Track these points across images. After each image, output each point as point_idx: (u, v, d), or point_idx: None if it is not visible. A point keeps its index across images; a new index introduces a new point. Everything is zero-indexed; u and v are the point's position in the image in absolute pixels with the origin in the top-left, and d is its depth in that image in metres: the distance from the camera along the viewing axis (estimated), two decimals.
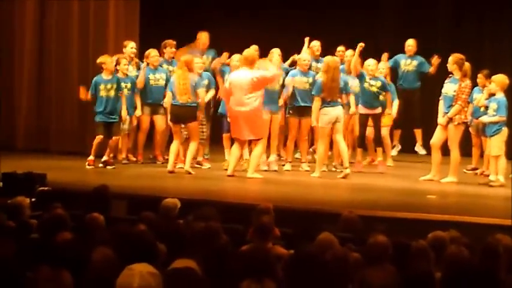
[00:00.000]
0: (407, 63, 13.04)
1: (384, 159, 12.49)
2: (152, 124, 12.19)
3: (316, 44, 12.53)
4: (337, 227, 6.56)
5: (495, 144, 10.76)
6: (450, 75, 10.91)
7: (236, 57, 11.57)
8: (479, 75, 11.86)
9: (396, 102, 12.37)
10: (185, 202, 7.23)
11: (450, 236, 5.86)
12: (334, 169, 11.71)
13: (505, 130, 10.77)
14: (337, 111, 11.03)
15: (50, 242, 5.05)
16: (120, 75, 11.72)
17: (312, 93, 11.24)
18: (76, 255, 4.39)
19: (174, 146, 11.18)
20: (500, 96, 10.81)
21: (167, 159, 11.52)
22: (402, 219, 7.97)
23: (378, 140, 12.26)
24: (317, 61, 12.29)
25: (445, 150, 10.97)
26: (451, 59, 10.86)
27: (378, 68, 12.12)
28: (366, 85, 11.96)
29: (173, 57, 12.20)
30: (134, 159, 12.20)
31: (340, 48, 12.77)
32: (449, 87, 10.84)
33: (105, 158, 11.54)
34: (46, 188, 8.74)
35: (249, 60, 10.84)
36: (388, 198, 9.71)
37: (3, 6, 13.62)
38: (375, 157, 12.45)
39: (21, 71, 13.61)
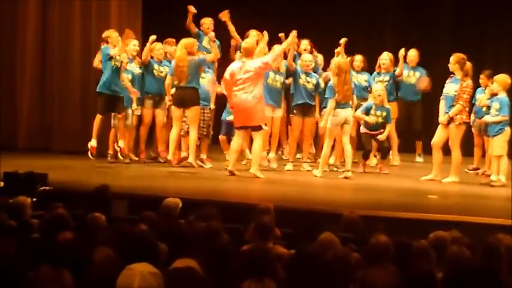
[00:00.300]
0: (409, 75, 13.02)
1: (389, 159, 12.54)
2: (153, 119, 12.19)
3: (305, 43, 12.34)
4: (338, 227, 6.55)
5: (497, 144, 10.76)
6: (451, 75, 10.91)
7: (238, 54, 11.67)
8: (481, 76, 11.86)
9: (388, 128, 12.15)
10: (186, 202, 7.23)
11: (451, 236, 5.86)
12: (335, 169, 11.70)
13: (507, 130, 10.76)
14: (347, 112, 11.02)
15: (51, 241, 5.05)
16: (128, 55, 11.80)
17: (326, 96, 11.20)
18: (77, 255, 4.40)
19: (174, 133, 11.24)
20: (503, 96, 10.81)
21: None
22: (403, 219, 7.97)
23: (383, 153, 12.18)
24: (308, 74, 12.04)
25: (446, 150, 10.97)
26: (452, 58, 10.85)
27: (384, 95, 12.00)
28: (372, 117, 11.85)
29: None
30: (136, 158, 12.17)
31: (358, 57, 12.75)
32: (450, 87, 10.83)
33: (121, 143, 11.54)
34: (47, 188, 8.74)
35: (249, 51, 10.87)
36: (390, 198, 9.71)
37: (6, 5, 13.62)
38: (382, 164, 12.34)
39: (23, 70, 13.61)
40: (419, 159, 13.28)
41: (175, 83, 11.25)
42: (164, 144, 12.12)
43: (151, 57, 12.06)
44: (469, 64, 10.89)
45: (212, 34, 12.19)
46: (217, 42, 12.35)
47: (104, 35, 11.57)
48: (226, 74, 10.93)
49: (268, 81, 11.42)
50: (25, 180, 8.74)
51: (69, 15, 13.42)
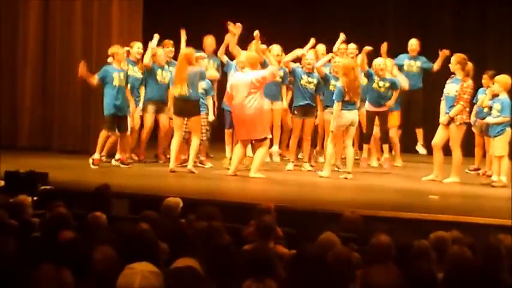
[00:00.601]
0: (410, 65, 13.01)
1: (392, 159, 12.54)
2: (156, 123, 12.17)
3: (322, 48, 12.44)
4: (339, 227, 6.55)
5: (499, 145, 10.76)
6: (452, 76, 10.90)
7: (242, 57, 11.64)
8: (484, 76, 11.85)
9: (395, 95, 12.20)
10: (187, 201, 7.23)
11: (452, 236, 5.86)
12: (336, 169, 11.69)
13: (508, 131, 10.75)
14: (353, 115, 11.01)
15: (52, 240, 5.06)
16: (131, 57, 11.83)
17: (333, 98, 11.19)
18: (78, 254, 4.39)
19: (175, 143, 11.17)
20: (504, 96, 10.81)
21: (169, 158, 11.52)
22: (404, 219, 7.97)
23: (384, 137, 12.26)
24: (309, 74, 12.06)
25: (447, 150, 10.97)
26: (453, 59, 10.85)
27: (386, 67, 12.08)
28: (374, 85, 11.93)
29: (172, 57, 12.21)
30: (136, 158, 12.18)
31: (342, 46, 12.75)
32: (451, 88, 10.83)
33: (118, 156, 11.52)
34: (48, 187, 8.74)
35: (252, 63, 10.88)
36: (390, 198, 9.71)
37: (7, 5, 13.63)
38: (380, 156, 12.45)
39: (24, 69, 13.62)
40: (422, 150, 12.94)
41: (176, 94, 11.12)
42: (165, 147, 12.14)
43: (154, 62, 12.02)
44: (470, 64, 10.88)
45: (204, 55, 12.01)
46: (217, 62, 12.33)
47: (110, 51, 11.53)
48: (228, 88, 10.96)
49: None
50: (26, 180, 8.74)
51: (70, 15, 13.42)
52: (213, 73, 12.08)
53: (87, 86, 12.69)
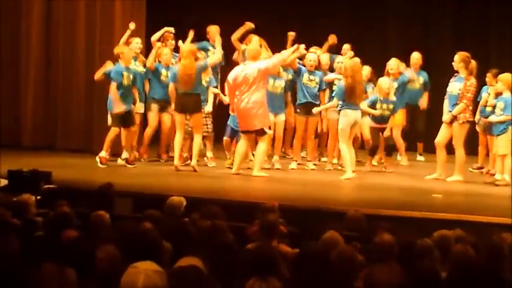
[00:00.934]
0: (413, 80, 13.02)
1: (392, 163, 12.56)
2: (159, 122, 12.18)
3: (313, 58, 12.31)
4: (342, 225, 6.55)
5: (502, 144, 10.75)
6: (456, 74, 10.89)
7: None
8: (488, 74, 11.86)
9: (391, 122, 12.14)
10: (191, 200, 7.23)
11: (455, 235, 5.86)
12: (339, 167, 11.68)
13: (511, 129, 10.75)
14: (357, 114, 11.01)
15: (55, 239, 5.06)
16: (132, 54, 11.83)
17: (333, 95, 11.17)
18: (81, 253, 4.40)
19: (178, 139, 11.15)
20: (507, 95, 10.80)
21: (171, 156, 11.51)
22: (408, 218, 7.97)
23: (388, 152, 12.19)
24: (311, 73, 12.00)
25: (450, 149, 10.96)
26: (457, 57, 10.83)
27: (391, 88, 12.02)
28: (378, 108, 11.83)
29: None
30: (139, 157, 12.16)
31: (346, 46, 12.75)
32: (454, 86, 10.82)
33: (125, 154, 11.52)
34: (52, 186, 8.74)
35: (253, 55, 10.89)
36: (394, 196, 9.70)
37: (10, 4, 13.64)
38: (382, 156, 12.40)
39: (27, 68, 13.62)
40: (420, 158, 13.41)
41: (180, 90, 11.13)
42: (167, 146, 12.14)
43: (159, 62, 12.02)
44: (473, 63, 10.87)
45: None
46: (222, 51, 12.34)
47: (116, 51, 11.52)
48: (229, 79, 10.95)
49: (268, 88, 11.35)
50: (29, 178, 8.73)
51: (73, 14, 13.41)
52: (215, 58, 11.86)
53: (91, 84, 12.72)
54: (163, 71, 11.92)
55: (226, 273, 4.43)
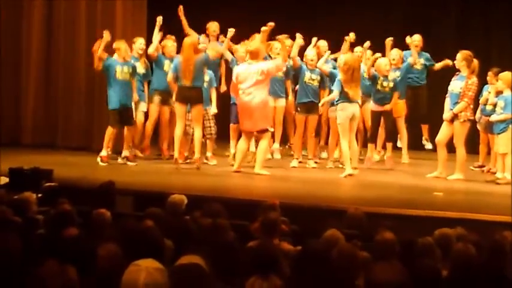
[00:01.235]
0: (415, 62, 12.99)
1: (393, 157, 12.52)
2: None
3: (324, 45, 12.40)
4: (342, 223, 6.55)
5: (502, 142, 10.74)
6: (457, 73, 10.89)
7: (242, 48, 11.62)
8: (489, 73, 11.84)
9: (396, 96, 12.18)
10: (192, 198, 7.24)
11: (457, 233, 5.86)
12: (340, 166, 11.67)
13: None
14: (354, 107, 10.97)
15: (56, 237, 5.06)
16: (134, 53, 11.81)
17: (332, 88, 11.18)
18: (82, 251, 4.40)
19: (179, 131, 11.11)
20: (508, 94, 10.79)
21: (171, 155, 11.51)
22: (409, 216, 7.98)
23: (389, 136, 12.22)
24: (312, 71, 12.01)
25: (451, 147, 10.96)
26: (459, 56, 10.82)
27: (390, 67, 12.03)
28: (378, 86, 11.87)
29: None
30: (141, 155, 12.15)
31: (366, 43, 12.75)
32: (456, 85, 10.82)
33: (126, 153, 11.51)
34: (52, 184, 8.74)
35: (255, 54, 10.88)
36: (395, 195, 9.70)
37: (11, 5, 13.64)
38: (389, 156, 12.35)
39: (28, 66, 13.64)
40: (428, 145, 12.92)
41: (181, 82, 11.13)
42: (167, 142, 12.13)
43: (163, 53, 12.00)
44: (476, 61, 10.87)
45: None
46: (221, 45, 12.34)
47: (114, 46, 11.52)
48: (233, 77, 10.95)
49: None
50: (30, 176, 8.75)
51: (74, 13, 13.43)
52: (215, 50, 11.86)
53: (91, 83, 12.73)
54: (167, 62, 11.88)
55: (227, 271, 4.43)
